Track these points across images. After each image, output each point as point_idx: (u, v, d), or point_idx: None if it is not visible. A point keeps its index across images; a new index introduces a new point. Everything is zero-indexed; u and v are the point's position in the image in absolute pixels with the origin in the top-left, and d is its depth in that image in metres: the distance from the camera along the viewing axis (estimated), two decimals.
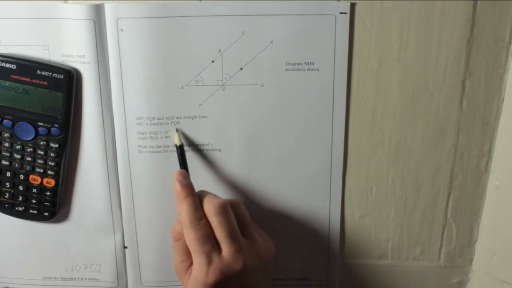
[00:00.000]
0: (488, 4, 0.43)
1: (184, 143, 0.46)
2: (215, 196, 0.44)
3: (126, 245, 0.50)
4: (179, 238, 0.43)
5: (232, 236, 0.41)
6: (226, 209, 0.42)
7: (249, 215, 0.44)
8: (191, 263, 0.42)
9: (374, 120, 0.46)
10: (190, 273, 0.42)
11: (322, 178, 0.48)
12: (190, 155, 0.47)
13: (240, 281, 0.41)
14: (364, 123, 0.46)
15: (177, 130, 0.46)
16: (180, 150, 0.45)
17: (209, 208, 0.42)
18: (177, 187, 0.43)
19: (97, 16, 0.43)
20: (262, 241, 0.44)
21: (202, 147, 0.47)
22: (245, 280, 0.41)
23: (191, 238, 0.41)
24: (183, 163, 0.45)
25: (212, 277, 0.40)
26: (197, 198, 0.43)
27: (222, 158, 0.47)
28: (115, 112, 0.46)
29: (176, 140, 0.45)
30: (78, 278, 0.51)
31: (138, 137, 0.46)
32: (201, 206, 0.42)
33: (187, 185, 0.43)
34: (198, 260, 0.40)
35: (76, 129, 0.46)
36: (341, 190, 0.48)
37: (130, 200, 0.48)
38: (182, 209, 0.42)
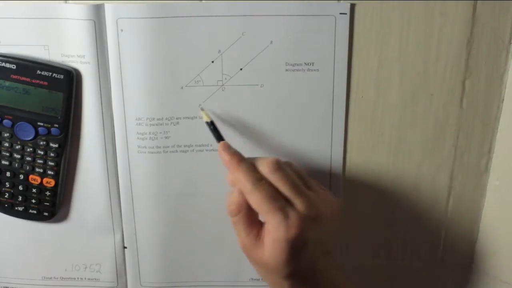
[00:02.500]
0: (488, 4, 0.43)
1: (184, 143, 0.46)
2: (264, 157, 0.42)
3: (125, 245, 0.50)
4: (239, 210, 0.40)
5: (298, 188, 0.39)
6: (283, 165, 0.40)
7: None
8: (259, 231, 0.40)
9: (374, 120, 0.46)
10: (262, 240, 0.39)
11: (322, 178, 0.48)
12: (190, 155, 0.47)
13: (317, 232, 0.39)
14: (364, 123, 0.46)
15: (201, 107, 0.45)
16: (213, 126, 0.44)
17: (265, 167, 0.40)
18: (226, 157, 0.41)
19: (97, 16, 0.43)
20: (326, 193, 0.42)
21: (202, 147, 0.47)
22: (320, 230, 0.39)
23: (259, 199, 0.38)
24: (219, 137, 0.44)
25: (293, 231, 0.38)
26: (249, 162, 0.41)
27: None
28: (115, 112, 0.46)
29: (205, 117, 0.44)
30: (78, 278, 0.51)
31: (138, 138, 0.46)
32: (256, 169, 0.40)
33: (236, 153, 0.41)
34: (274, 218, 0.38)
35: (76, 129, 0.46)
36: (341, 190, 0.48)
37: (129, 200, 0.48)
38: (239, 176, 0.39)
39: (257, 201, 0.38)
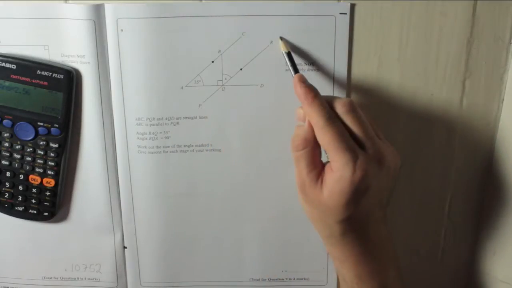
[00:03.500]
0: (488, 4, 0.43)
1: (184, 143, 0.46)
2: (340, 96, 0.41)
3: (125, 245, 0.50)
4: (306, 145, 0.39)
5: (371, 132, 0.39)
6: (356, 107, 0.40)
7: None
8: (320, 171, 0.39)
9: (374, 120, 0.46)
10: (323, 180, 0.39)
11: None
12: (190, 155, 0.47)
13: (380, 181, 0.38)
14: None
15: (282, 38, 0.44)
16: (289, 57, 0.43)
17: (341, 106, 0.39)
18: (301, 90, 0.40)
19: (97, 16, 0.43)
20: (391, 146, 0.41)
21: (202, 147, 0.47)
22: (383, 180, 0.39)
23: (330, 136, 0.37)
24: (295, 69, 0.43)
25: (360, 173, 0.37)
26: (324, 99, 0.40)
27: (222, 158, 0.47)
28: (115, 112, 0.46)
29: (283, 47, 0.43)
30: (78, 278, 0.51)
31: (138, 138, 0.46)
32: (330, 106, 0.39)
33: (312, 87, 0.40)
34: (342, 157, 0.37)
35: (76, 129, 0.46)
36: None
37: (129, 200, 0.48)
38: (313, 110, 0.39)
39: (328, 138, 0.37)
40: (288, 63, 0.43)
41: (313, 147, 0.40)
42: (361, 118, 0.39)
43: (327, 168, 0.39)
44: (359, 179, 0.37)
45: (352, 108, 0.39)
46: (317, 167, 0.40)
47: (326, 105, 0.39)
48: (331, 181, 0.38)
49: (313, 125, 0.39)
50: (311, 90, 0.40)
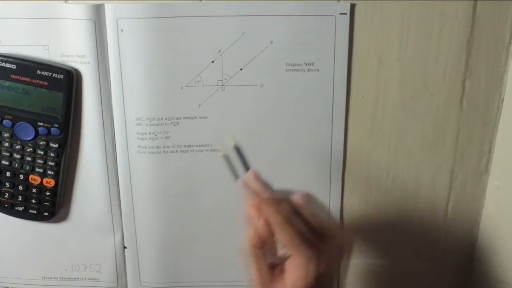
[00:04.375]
0: (488, 4, 0.43)
1: (184, 143, 0.46)
2: (293, 190, 0.41)
3: (125, 245, 0.50)
4: (264, 244, 0.39)
5: (327, 224, 0.40)
6: (311, 198, 0.41)
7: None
8: (281, 265, 0.39)
9: (374, 120, 0.46)
10: (283, 276, 0.39)
11: (322, 178, 0.48)
12: (189, 156, 0.47)
13: (343, 265, 0.41)
14: (364, 123, 0.46)
15: (231, 136, 0.45)
16: (239, 152, 0.43)
17: (297, 201, 0.40)
18: (257, 187, 0.41)
19: (97, 16, 0.43)
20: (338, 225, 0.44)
21: (202, 147, 0.47)
22: (346, 262, 0.41)
23: (289, 233, 0.38)
24: (246, 164, 0.43)
25: (323, 267, 0.37)
26: (281, 194, 0.40)
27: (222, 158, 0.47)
28: (115, 112, 0.46)
29: (233, 142, 0.44)
30: (78, 278, 0.51)
31: (138, 138, 0.46)
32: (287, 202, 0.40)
33: (266, 183, 0.41)
34: (305, 254, 0.37)
35: (76, 129, 0.46)
36: (340, 190, 0.48)
37: (129, 200, 0.48)
38: (271, 208, 0.39)
39: (288, 236, 0.38)
40: (240, 159, 0.43)
41: (271, 244, 0.40)
42: (316, 210, 0.40)
43: (289, 263, 0.39)
44: (323, 273, 0.38)
45: (307, 202, 0.40)
46: (278, 262, 0.40)
47: (283, 201, 0.39)
48: (295, 277, 0.38)
49: (270, 223, 0.38)
50: (267, 187, 0.40)
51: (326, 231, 0.39)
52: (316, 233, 0.39)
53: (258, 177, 0.41)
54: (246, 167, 0.43)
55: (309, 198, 0.40)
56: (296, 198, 0.40)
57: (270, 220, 0.38)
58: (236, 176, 0.43)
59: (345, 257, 0.41)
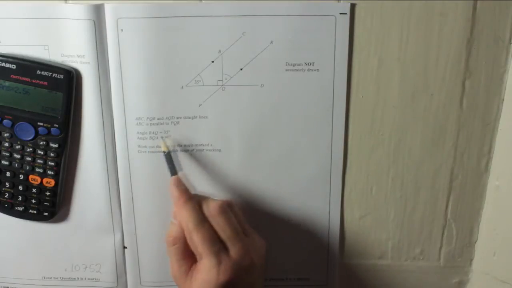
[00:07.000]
0: (488, 4, 0.43)
1: (184, 143, 0.46)
2: (211, 198, 0.44)
3: (125, 245, 0.50)
4: (175, 242, 0.43)
5: (237, 235, 0.42)
6: (227, 209, 0.42)
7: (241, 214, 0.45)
8: (191, 265, 0.42)
9: (374, 120, 0.46)
10: (191, 276, 0.42)
11: (322, 178, 0.48)
12: (189, 156, 0.47)
13: (247, 278, 0.41)
14: (364, 123, 0.46)
15: (162, 138, 0.46)
16: (168, 157, 0.45)
17: (211, 210, 0.42)
18: (175, 193, 0.43)
19: (97, 16, 0.43)
20: (257, 237, 0.45)
21: (202, 147, 0.47)
22: (251, 276, 0.42)
23: (198, 240, 0.41)
24: (173, 169, 0.45)
25: (223, 276, 0.40)
26: (196, 202, 0.43)
27: (222, 158, 0.47)
28: (115, 112, 0.46)
29: (163, 147, 0.46)
30: (78, 278, 0.51)
31: (138, 137, 0.46)
32: (200, 210, 0.42)
33: (185, 190, 0.43)
34: (208, 261, 0.40)
35: (76, 129, 0.46)
36: (340, 190, 0.48)
37: (129, 200, 0.48)
38: (184, 214, 0.42)
39: (196, 241, 0.41)
40: (167, 163, 0.45)
41: (183, 244, 0.42)
42: (229, 220, 0.42)
43: (197, 265, 0.42)
44: (223, 282, 0.40)
45: (220, 211, 0.42)
46: (188, 262, 0.43)
47: (198, 208, 0.42)
48: (198, 281, 0.41)
49: (183, 227, 0.42)
50: (184, 194, 0.43)
51: (235, 242, 0.41)
52: (228, 241, 0.41)
53: (179, 183, 0.44)
54: (173, 171, 0.45)
55: (225, 205, 0.42)
56: (213, 205, 0.42)
57: (182, 224, 0.42)
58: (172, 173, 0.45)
59: (256, 270, 0.42)
